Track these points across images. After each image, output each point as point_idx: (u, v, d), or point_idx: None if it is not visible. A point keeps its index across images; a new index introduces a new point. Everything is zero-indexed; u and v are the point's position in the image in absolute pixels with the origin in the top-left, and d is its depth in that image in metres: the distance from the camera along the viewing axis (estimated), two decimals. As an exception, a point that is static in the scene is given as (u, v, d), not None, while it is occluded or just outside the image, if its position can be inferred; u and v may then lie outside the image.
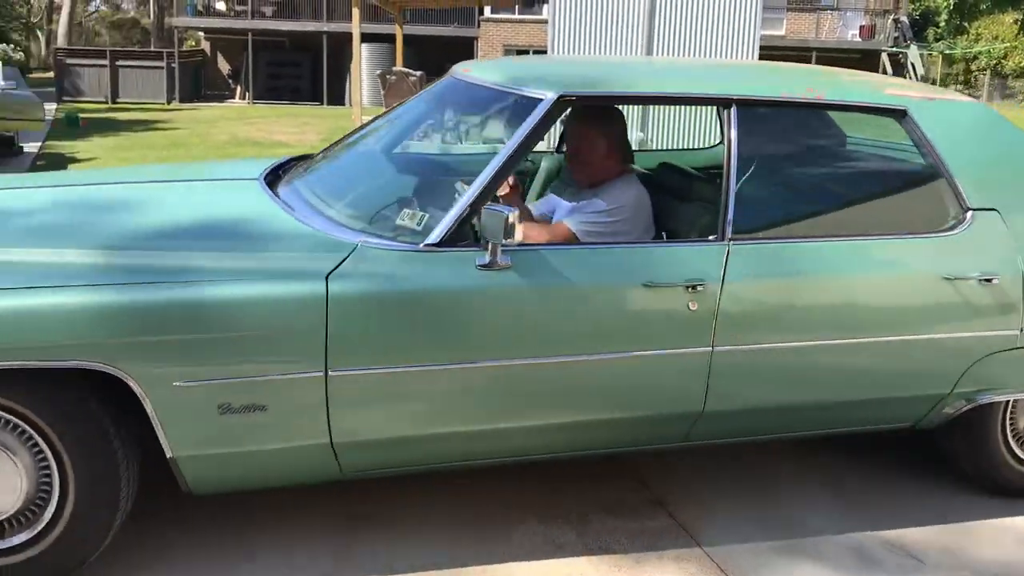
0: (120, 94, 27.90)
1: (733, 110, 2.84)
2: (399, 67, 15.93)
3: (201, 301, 2.33)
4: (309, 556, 2.78)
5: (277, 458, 2.53)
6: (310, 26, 28.62)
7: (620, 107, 3.40)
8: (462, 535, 2.95)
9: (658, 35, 10.05)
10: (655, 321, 2.67)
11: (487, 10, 27.45)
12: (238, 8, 30.16)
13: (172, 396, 2.34)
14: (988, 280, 2.93)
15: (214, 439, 2.44)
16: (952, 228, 2.97)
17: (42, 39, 50.35)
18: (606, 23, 10.21)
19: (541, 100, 2.74)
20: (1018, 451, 3.31)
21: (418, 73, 14.78)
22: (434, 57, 27.17)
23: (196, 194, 3.23)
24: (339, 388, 2.42)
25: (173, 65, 28.03)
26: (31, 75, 32.51)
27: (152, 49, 34.45)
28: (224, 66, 31.50)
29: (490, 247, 2.50)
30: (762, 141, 2.98)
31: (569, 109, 2.98)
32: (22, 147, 13.60)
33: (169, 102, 27.73)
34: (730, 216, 2.77)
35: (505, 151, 2.69)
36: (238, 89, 30.10)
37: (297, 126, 19.91)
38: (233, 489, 2.69)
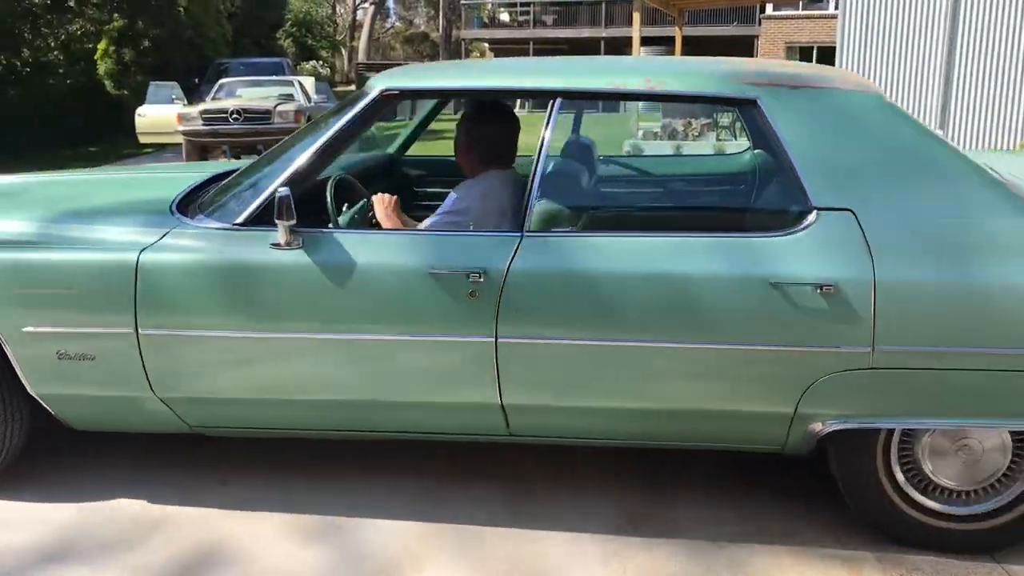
0: (416, 107, 29.82)
1: (556, 103, 2.76)
2: (677, 70, 15.80)
3: (46, 262, 2.80)
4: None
5: (120, 405, 2.91)
6: (588, 32, 29.15)
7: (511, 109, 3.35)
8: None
9: (962, 33, 9.26)
10: (436, 306, 2.63)
11: (768, 7, 26.65)
12: (520, 19, 31.30)
13: (24, 340, 2.81)
14: (827, 288, 2.48)
15: (58, 381, 2.87)
16: (790, 229, 2.56)
17: (345, 55, 54.92)
18: (903, 18, 9.55)
19: (368, 93, 2.86)
20: (913, 494, 2.70)
21: (696, 76, 14.56)
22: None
23: (127, 185, 3.81)
24: (149, 345, 2.76)
25: (459, 75, 29.60)
26: (336, 88, 35.55)
27: (441, 62, 36.52)
28: (506, 74, 32.78)
29: (279, 227, 2.65)
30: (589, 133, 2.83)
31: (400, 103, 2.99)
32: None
33: (456, 112, 29.31)
34: (532, 208, 2.68)
35: (318, 140, 2.82)
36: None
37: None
38: (104, 428, 3.06)
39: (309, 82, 13.95)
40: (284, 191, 2.64)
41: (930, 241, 2.50)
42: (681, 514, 2.92)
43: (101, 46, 23.95)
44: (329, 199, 2.89)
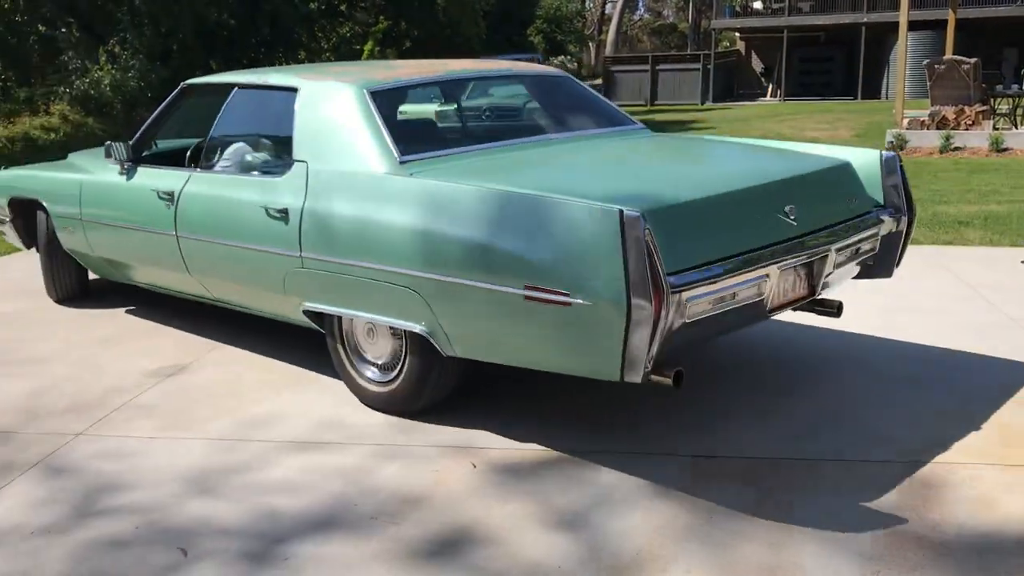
0: (658, 96, 29.61)
1: (233, 91, 4.47)
2: (949, 55, 14.64)
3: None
4: None
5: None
6: (848, 18, 27.60)
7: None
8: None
9: None
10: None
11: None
12: (775, 6, 30.19)
13: None
14: (283, 211, 3.77)
15: None
16: (280, 172, 3.93)
17: (592, 49, 55.35)
18: None
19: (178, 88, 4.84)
20: (361, 366, 3.81)
21: (972, 60, 13.46)
22: (985, 43, 24.58)
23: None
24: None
25: (708, 66, 28.99)
26: (583, 82, 35.79)
27: (689, 52, 36.00)
28: (757, 65, 31.77)
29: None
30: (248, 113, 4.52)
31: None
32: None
33: (703, 102, 28.74)
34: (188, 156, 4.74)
35: (150, 118, 4.97)
36: (769, 87, 30.16)
37: (829, 122, 19.36)
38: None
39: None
40: (119, 144, 4.73)
41: (334, 186, 3.65)
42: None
43: (367, 47, 25.54)
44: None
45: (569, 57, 47.19)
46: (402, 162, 3.54)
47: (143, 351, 4.67)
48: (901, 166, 3.85)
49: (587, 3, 56.14)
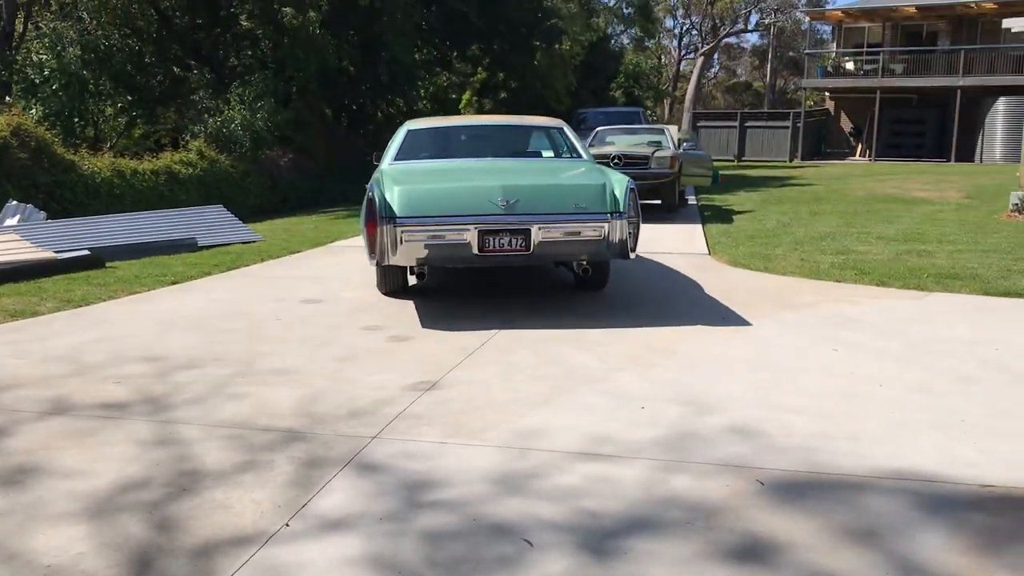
0: (745, 152, 29.83)
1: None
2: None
3: None
4: None
5: None
6: (942, 81, 27.66)
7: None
8: None
9: None
10: None
11: None
12: (867, 67, 30.35)
13: None
14: None
15: None
16: None
17: (666, 104, 55.90)
18: None
19: None
20: None
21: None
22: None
23: None
24: None
25: (798, 124, 29.18)
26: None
27: (778, 110, 36.23)
28: (846, 124, 31.89)
29: None
30: None
31: None
32: (687, 199, 15.37)
33: (791, 160, 28.89)
34: None
35: None
36: (859, 147, 30.20)
37: (931, 183, 19.37)
38: None
39: (674, 130, 14.50)
40: None
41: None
42: None
43: (465, 96, 26.36)
44: None
45: (648, 111, 47.73)
46: None
47: (388, 367, 5.03)
48: None
49: (663, 60, 56.89)
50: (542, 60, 26.53)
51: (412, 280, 7.17)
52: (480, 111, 26.06)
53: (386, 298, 7.13)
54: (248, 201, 16.19)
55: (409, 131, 7.94)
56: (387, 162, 7.46)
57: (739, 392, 4.57)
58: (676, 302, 6.95)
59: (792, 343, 5.59)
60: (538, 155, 8.12)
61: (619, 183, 6.48)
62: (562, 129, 8.18)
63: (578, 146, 7.91)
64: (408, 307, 6.76)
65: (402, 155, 7.52)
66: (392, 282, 7.09)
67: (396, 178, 6.56)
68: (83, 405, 4.43)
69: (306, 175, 18.39)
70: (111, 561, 2.90)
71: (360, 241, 6.89)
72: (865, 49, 30.45)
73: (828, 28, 37.78)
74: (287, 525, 3.14)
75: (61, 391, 4.65)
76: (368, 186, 6.38)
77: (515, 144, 8.25)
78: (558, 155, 8.00)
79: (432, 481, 3.51)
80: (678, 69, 58.47)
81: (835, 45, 32.33)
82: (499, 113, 26.07)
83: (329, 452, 3.81)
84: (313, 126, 18.91)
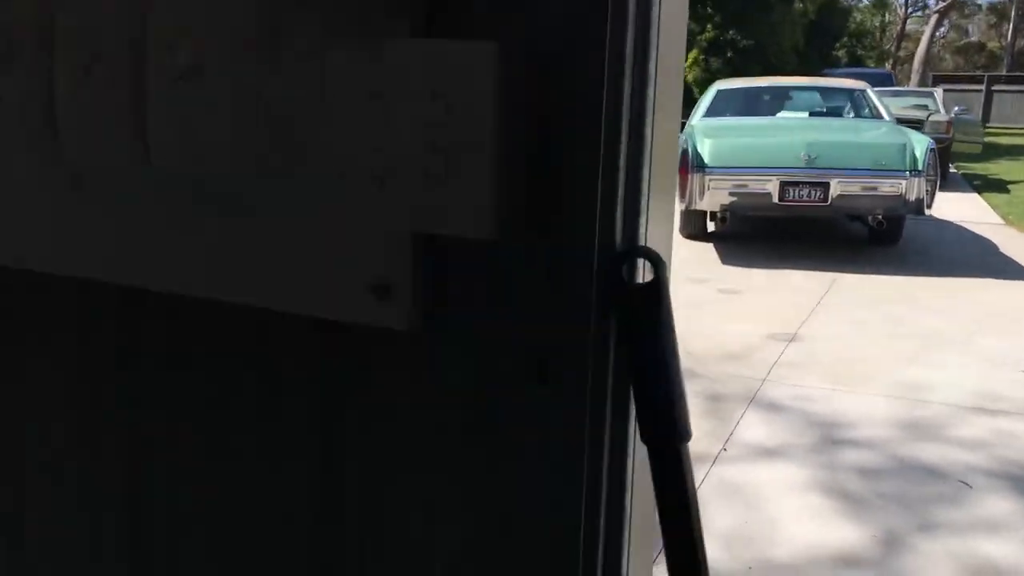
0: (990, 118, 28.00)
1: None
2: None
3: None
4: None
5: None
6: None
7: None
8: None
9: None
10: None
11: None
12: None
13: None
14: None
15: None
16: None
17: (888, 65, 52.99)
18: None
19: None
20: None
21: None
22: None
23: None
24: None
25: (1055, 89, 27.07)
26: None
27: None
28: (1107, 89, 29.24)
29: None
30: None
31: None
32: (949, 168, 14.62)
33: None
34: None
35: None
36: (1122, 114, 27.68)
37: None
38: None
39: (939, 94, 13.87)
40: None
41: None
42: None
43: (692, 55, 26.03)
44: None
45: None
46: None
47: (744, 317, 5.29)
48: None
49: (886, 17, 53.85)
50: (777, 18, 25.81)
51: (711, 227, 7.62)
52: (707, 71, 25.69)
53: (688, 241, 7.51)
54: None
55: (719, 91, 8.55)
56: (697, 118, 7.97)
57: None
58: (1003, 271, 6.83)
59: None
60: (839, 114, 8.52)
61: (919, 143, 6.88)
62: (865, 91, 8.50)
63: (880, 107, 8.20)
64: (711, 251, 7.04)
65: (711, 112, 8.05)
66: (694, 226, 7.52)
67: (706, 132, 7.15)
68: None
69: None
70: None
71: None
72: None
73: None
74: (724, 450, 3.46)
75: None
76: (680, 138, 6.78)
77: (818, 103, 8.77)
78: (859, 115, 8.35)
79: (839, 422, 3.74)
80: (902, 29, 55.13)
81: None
82: (726, 75, 25.70)
83: (725, 389, 4.11)
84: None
